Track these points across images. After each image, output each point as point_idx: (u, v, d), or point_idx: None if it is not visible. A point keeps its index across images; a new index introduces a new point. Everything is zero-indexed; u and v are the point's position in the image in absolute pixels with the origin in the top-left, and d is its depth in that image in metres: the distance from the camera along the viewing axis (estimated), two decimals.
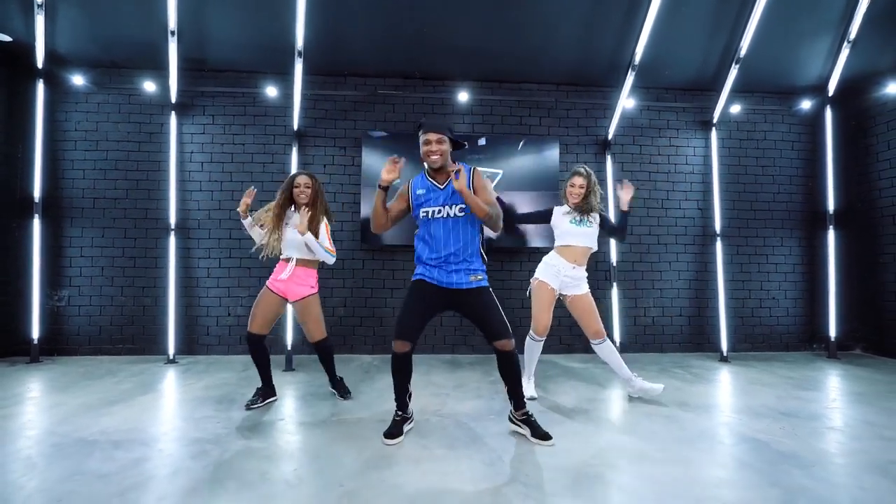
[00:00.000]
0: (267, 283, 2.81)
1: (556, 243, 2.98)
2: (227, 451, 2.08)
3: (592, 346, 2.95)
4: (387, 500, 1.66)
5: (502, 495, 1.70)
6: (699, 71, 4.39)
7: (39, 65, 3.93)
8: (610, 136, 4.56)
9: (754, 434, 2.36)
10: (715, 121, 4.61)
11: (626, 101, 4.38)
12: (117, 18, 3.65)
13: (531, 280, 3.00)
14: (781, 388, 3.29)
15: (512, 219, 2.97)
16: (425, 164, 2.25)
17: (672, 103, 4.71)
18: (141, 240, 4.29)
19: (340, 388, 2.96)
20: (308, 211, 2.71)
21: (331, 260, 2.78)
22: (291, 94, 4.16)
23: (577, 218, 2.91)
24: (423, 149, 2.20)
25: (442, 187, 2.25)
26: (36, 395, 2.99)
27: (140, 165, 4.32)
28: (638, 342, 4.55)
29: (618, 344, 4.12)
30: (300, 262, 2.79)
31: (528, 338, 2.98)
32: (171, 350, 4.03)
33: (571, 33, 3.87)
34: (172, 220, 4.17)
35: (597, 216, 2.96)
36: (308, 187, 2.77)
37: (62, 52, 4.06)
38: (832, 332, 4.42)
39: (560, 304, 3.03)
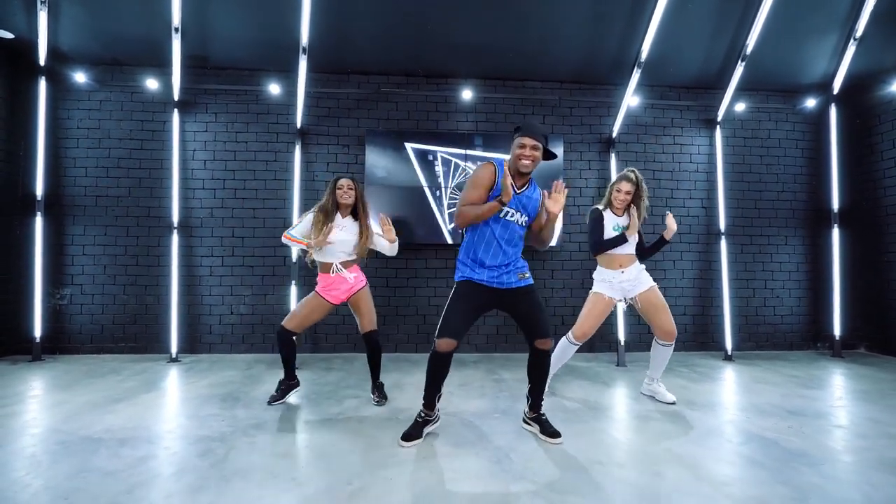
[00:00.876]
0: (318, 290, 2.77)
1: (597, 255, 2.89)
2: (233, 450, 2.07)
3: (657, 344, 2.86)
4: (396, 498, 1.65)
5: (511, 494, 1.69)
6: (704, 69, 4.38)
7: (42, 62, 3.91)
8: (614, 135, 4.54)
9: (761, 432, 2.35)
10: (719, 119, 4.59)
11: (631, 100, 4.36)
12: (120, 15, 3.63)
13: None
14: (786, 386, 3.28)
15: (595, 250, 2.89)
16: (514, 164, 2.16)
17: (676, 101, 4.70)
18: (143, 238, 4.28)
19: (380, 393, 2.85)
20: (362, 225, 2.79)
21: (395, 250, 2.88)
22: (294, 91, 4.15)
23: (620, 226, 2.82)
24: (516, 151, 2.14)
25: (518, 192, 2.19)
26: (39, 393, 2.98)
27: (142, 163, 4.30)
28: (642, 341, 4.53)
29: (622, 343, 4.10)
30: (347, 266, 2.78)
31: (564, 338, 2.90)
32: (174, 348, 4.02)
33: (576, 31, 3.85)
34: (175, 217, 4.15)
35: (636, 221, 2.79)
36: (351, 189, 2.78)
37: (64, 49, 4.05)
38: (836, 330, 4.41)
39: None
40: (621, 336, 4.15)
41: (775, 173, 4.77)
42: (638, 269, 2.85)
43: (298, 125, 4.26)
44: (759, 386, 3.30)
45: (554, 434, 2.20)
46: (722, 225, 4.50)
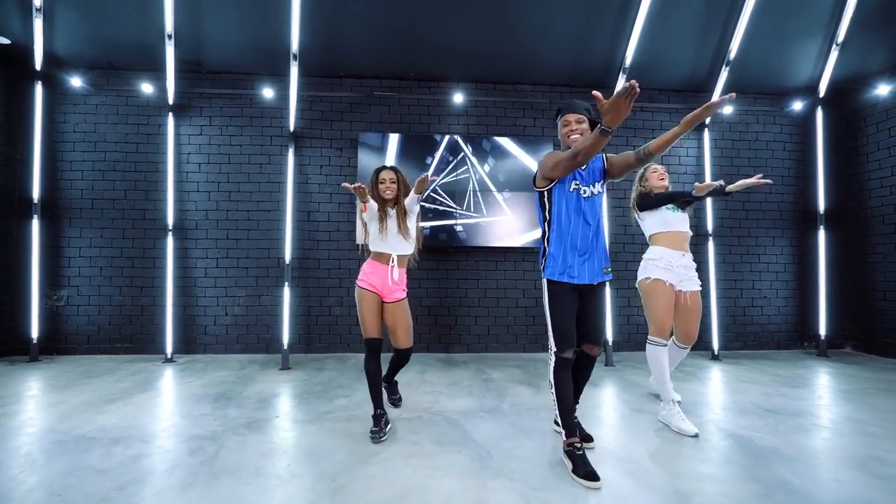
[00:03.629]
0: (359, 284, 2.56)
1: (656, 230, 2.72)
2: (223, 448, 2.14)
3: (674, 345, 2.77)
4: (376, 494, 1.71)
5: (488, 489, 1.75)
6: (691, 72, 4.44)
7: (38, 67, 3.97)
8: None
9: (739, 430, 2.41)
10: (707, 122, 4.65)
11: None
12: (115, 21, 3.69)
13: (638, 284, 2.73)
14: (769, 385, 3.35)
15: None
16: (564, 143, 2.16)
17: (665, 104, 4.76)
18: (139, 240, 4.34)
19: (396, 394, 2.83)
20: (398, 209, 2.59)
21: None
22: (288, 95, 4.20)
23: (673, 206, 2.74)
24: (563, 131, 2.16)
25: (583, 168, 2.16)
26: (36, 393, 3.04)
27: (138, 166, 4.36)
28: (631, 340, 4.60)
29: (611, 342, 4.17)
30: (401, 262, 2.61)
31: (648, 344, 2.60)
32: (169, 349, 4.08)
33: (565, 35, 3.92)
34: (170, 220, 4.21)
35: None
36: (393, 182, 2.61)
37: (60, 54, 4.10)
38: (822, 330, 4.48)
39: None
40: (610, 336, 4.21)
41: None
42: (692, 262, 2.72)
43: (292, 128, 4.32)
44: (742, 385, 3.37)
45: (586, 438, 2.21)
46: (710, 226, 4.57)
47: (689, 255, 2.72)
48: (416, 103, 4.61)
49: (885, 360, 4.27)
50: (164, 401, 2.93)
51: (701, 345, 4.63)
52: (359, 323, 2.60)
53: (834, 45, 3.89)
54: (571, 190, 2.14)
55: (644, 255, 2.76)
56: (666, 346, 2.57)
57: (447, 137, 4.44)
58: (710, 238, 4.55)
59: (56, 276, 4.26)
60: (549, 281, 2.13)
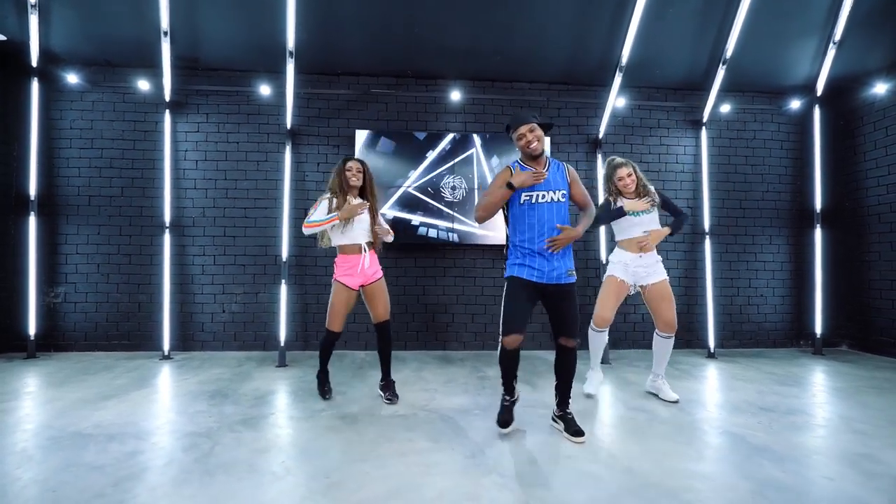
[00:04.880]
0: (338, 279, 2.80)
1: (618, 237, 2.97)
2: (217, 444, 2.15)
3: (657, 336, 2.94)
4: (369, 491, 1.72)
5: (480, 486, 1.76)
6: (689, 71, 4.44)
7: (34, 63, 3.96)
8: (601, 135, 4.60)
9: (731, 428, 2.43)
10: (705, 120, 4.65)
11: (617, 101, 4.43)
12: (110, 17, 3.68)
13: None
14: (763, 383, 3.37)
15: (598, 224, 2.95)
16: (525, 153, 2.29)
17: (662, 102, 4.75)
18: (136, 237, 4.34)
19: (391, 391, 2.84)
20: (372, 207, 2.84)
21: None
22: (285, 92, 4.20)
23: (637, 211, 2.87)
24: (519, 143, 2.27)
25: (544, 173, 2.27)
26: (33, 390, 3.05)
27: (135, 163, 4.36)
28: (627, 339, 4.62)
29: (606, 340, 4.17)
30: (371, 246, 2.85)
31: (589, 328, 3.02)
32: (167, 346, 4.09)
33: (562, 33, 3.92)
34: (167, 217, 4.21)
35: (656, 197, 2.91)
36: (360, 171, 2.81)
37: (56, 50, 4.09)
38: (818, 328, 4.50)
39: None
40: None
41: (760, 174, 4.84)
42: (655, 258, 2.90)
43: (289, 126, 4.31)
44: (737, 383, 3.38)
45: (577, 433, 2.23)
46: (707, 225, 4.57)
47: (648, 256, 2.88)
48: (413, 101, 4.60)
49: (879, 358, 4.29)
50: (161, 398, 2.94)
51: (698, 343, 4.66)
52: (327, 312, 2.85)
53: (831, 44, 3.88)
54: (522, 202, 2.25)
55: (610, 257, 3.06)
56: (603, 332, 3.01)
57: (445, 134, 4.44)
58: (707, 236, 4.56)
59: (53, 273, 4.26)
60: (507, 278, 2.31)
